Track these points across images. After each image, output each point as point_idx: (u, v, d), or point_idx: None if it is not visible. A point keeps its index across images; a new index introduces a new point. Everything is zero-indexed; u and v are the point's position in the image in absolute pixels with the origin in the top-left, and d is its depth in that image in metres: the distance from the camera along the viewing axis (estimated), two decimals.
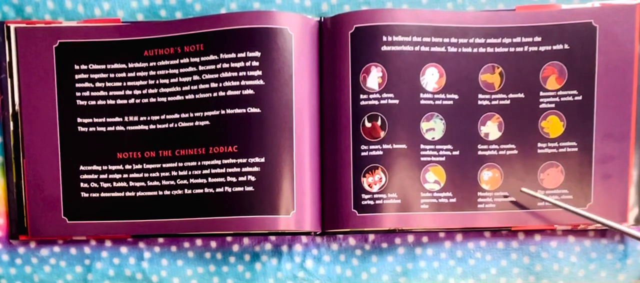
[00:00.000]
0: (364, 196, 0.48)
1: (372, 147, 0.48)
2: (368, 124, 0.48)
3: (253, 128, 0.47)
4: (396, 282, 0.52)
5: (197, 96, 0.48)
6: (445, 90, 0.48)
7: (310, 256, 0.52)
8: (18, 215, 0.50)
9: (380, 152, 0.48)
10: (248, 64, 0.47)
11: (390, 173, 0.48)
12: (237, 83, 0.47)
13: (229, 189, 0.48)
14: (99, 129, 0.49)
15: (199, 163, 0.48)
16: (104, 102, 0.49)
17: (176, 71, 0.48)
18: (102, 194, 0.50)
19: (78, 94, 0.49)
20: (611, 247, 0.51)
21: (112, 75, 0.49)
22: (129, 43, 0.48)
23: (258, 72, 0.47)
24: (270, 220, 0.48)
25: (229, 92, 0.47)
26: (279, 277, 0.52)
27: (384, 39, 0.47)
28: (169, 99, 0.48)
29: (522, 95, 0.49)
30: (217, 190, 0.48)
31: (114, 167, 0.49)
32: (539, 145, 0.49)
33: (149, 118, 0.49)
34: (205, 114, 0.48)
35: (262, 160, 0.48)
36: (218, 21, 0.47)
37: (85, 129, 0.49)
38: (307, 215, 0.49)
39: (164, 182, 0.49)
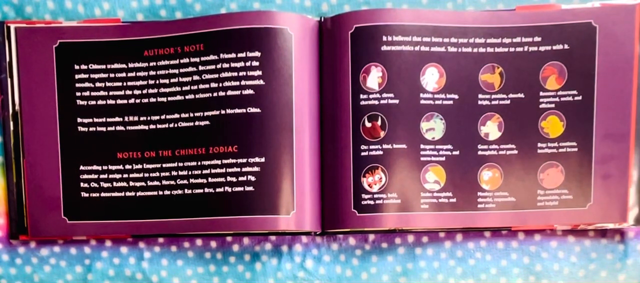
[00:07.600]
0: (364, 196, 0.48)
1: (372, 147, 0.48)
2: (368, 124, 0.48)
3: (253, 128, 0.47)
4: (396, 282, 0.52)
5: (197, 96, 0.48)
6: (445, 90, 0.48)
7: (310, 256, 0.52)
8: (18, 215, 0.50)
9: (380, 152, 0.48)
10: (248, 64, 0.47)
11: (390, 173, 0.48)
12: (237, 83, 0.47)
13: (229, 189, 0.48)
14: (99, 129, 0.49)
15: (199, 163, 0.48)
16: (104, 102, 0.49)
17: (176, 71, 0.48)
18: (102, 194, 0.50)
19: (78, 94, 0.49)
20: (611, 247, 0.51)
21: (112, 75, 0.49)
22: (129, 43, 0.48)
23: (258, 72, 0.47)
24: (271, 220, 0.48)
25: (229, 92, 0.47)
26: (279, 277, 0.52)
27: (384, 38, 0.47)
28: (169, 99, 0.48)
29: (522, 95, 0.49)
30: (217, 190, 0.48)
31: (114, 167, 0.49)
32: (539, 145, 0.49)
33: (149, 118, 0.49)
34: (205, 114, 0.48)
35: (262, 160, 0.48)
36: (218, 21, 0.47)
37: (85, 129, 0.49)
38: (307, 215, 0.49)
39: (164, 182, 0.49)
